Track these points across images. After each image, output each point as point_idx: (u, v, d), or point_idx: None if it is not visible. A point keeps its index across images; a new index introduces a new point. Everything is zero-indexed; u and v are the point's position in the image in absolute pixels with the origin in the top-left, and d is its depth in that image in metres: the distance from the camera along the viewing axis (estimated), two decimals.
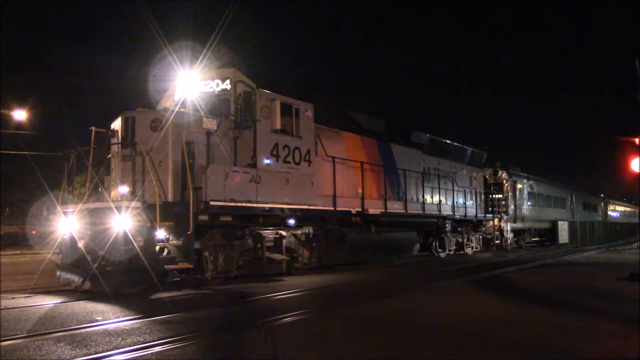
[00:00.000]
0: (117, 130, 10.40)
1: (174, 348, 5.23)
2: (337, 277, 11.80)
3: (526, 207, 27.33)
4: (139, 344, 5.36)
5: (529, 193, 27.88)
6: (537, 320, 6.84)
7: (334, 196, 13.34)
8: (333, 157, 13.41)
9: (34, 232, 27.60)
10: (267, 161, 11.26)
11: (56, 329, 6.10)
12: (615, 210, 53.19)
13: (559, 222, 28.98)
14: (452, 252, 19.33)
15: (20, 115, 25.24)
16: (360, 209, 14.29)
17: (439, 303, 8.36)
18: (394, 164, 16.35)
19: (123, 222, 9.01)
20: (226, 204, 10.18)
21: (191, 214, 9.43)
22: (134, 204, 9.25)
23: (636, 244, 28.93)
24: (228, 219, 10.47)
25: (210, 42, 11.43)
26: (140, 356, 4.98)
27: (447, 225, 18.95)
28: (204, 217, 9.85)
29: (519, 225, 26.10)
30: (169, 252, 9.99)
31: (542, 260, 17.55)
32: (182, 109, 10.69)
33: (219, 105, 11.33)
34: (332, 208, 13.22)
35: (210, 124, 10.54)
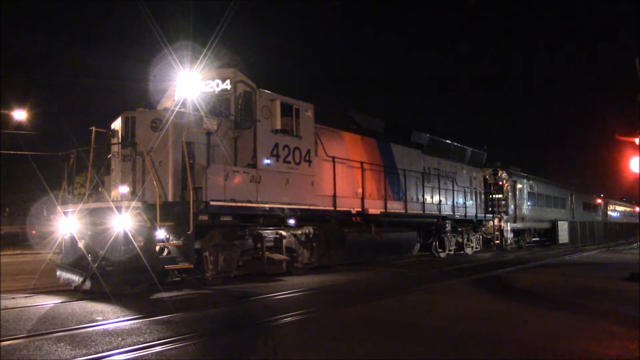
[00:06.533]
0: (117, 130, 10.40)
1: (174, 348, 5.24)
2: (337, 277, 11.81)
3: (526, 207, 27.33)
4: (139, 344, 5.37)
5: (528, 193, 27.88)
6: (537, 320, 6.85)
7: (334, 196, 13.33)
8: (333, 157, 13.40)
9: (34, 232, 27.61)
10: (267, 161, 11.26)
11: (56, 329, 6.11)
12: (615, 210, 53.19)
13: (559, 222, 28.97)
14: (452, 252, 19.32)
15: (20, 115, 25.25)
16: (360, 209, 14.28)
17: (439, 303, 8.36)
18: (394, 164, 16.35)
19: (123, 222, 9.01)
20: (226, 204, 10.18)
21: (191, 214, 9.42)
22: (134, 204, 9.24)
23: (636, 244, 28.94)
24: (228, 219, 10.47)
25: (210, 42, 11.46)
26: (140, 356, 4.99)
27: (447, 225, 18.93)
28: (204, 217, 9.84)
29: (519, 225, 26.10)
30: (169, 252, 9.99)
31: (542, 260, 17.55)
32: (182, 109, 10.69)
33: (219, 105, 11.33)
34: (332, 208, 13.21)
35: (211, 124, 10.55)
